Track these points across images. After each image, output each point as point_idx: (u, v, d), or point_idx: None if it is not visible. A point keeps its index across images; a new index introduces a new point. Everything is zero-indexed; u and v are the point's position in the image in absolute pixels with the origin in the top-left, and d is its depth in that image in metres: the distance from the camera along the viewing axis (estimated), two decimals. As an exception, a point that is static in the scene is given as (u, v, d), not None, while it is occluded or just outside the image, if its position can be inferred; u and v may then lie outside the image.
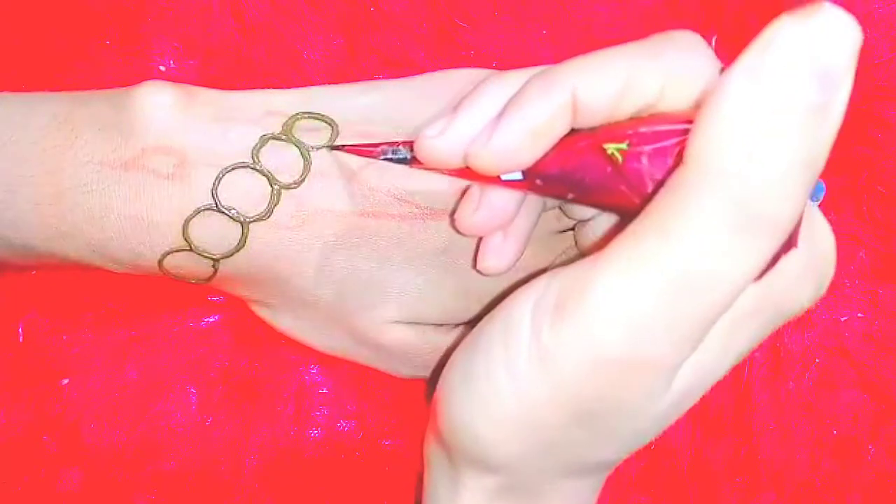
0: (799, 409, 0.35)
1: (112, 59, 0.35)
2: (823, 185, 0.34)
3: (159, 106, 0.28)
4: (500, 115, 0.23)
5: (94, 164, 0.28)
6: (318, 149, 0.28)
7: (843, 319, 0.36)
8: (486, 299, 0.30)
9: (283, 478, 0.33)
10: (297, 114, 0.29)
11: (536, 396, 0.22)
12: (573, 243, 0.31)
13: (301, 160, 0.28)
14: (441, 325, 0.31)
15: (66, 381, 0.33)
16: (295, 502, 0.33)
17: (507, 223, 0.27)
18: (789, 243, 0.21)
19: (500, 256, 0.27)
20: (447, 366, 0.25)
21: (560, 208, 0.30)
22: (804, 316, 0.36)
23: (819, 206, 0.34)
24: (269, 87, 0.31)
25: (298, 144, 0.28)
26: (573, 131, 0.23)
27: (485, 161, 0.23)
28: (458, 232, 0.27)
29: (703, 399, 0.34)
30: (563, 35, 0.35)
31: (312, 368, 0.34)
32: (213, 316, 0.34)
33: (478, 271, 0.28)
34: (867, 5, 0.36)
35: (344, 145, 0.28)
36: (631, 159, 0.21)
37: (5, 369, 0.33)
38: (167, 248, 0.28)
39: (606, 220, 0.28)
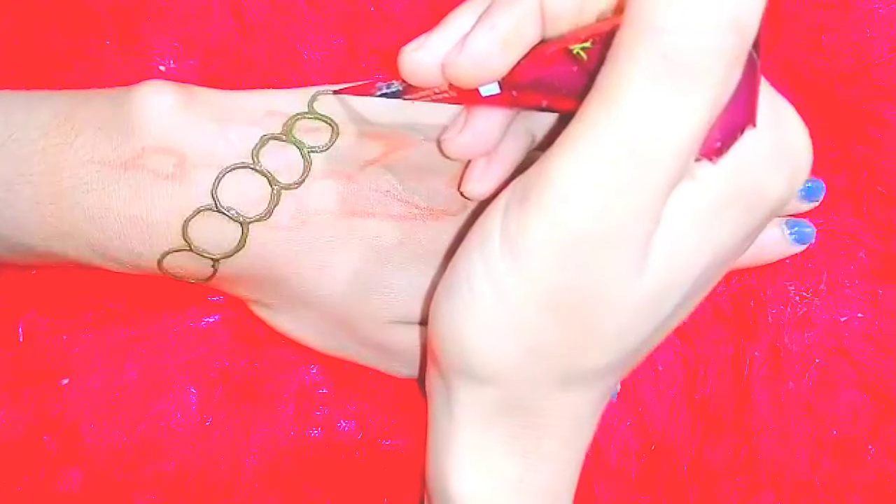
0: (799, 409, 0.35)
1: (112, 59, 0.35)
2: (823, 185, 0.34)
3: (159, 106, 0.28)
4: (472, 28, 0.24)
5: (94, 163, 0.28)
6: (318, 150, 0.28)
7: (843, 319, 0.36)
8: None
9: (283, 478, 0.33)
10: (298, 114, 0.29)
11: (513, 293, 0.22)
12: None
13: (301, 160, 0.28)
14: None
15: (66, 381, 0.33)
16: (295, 502, 0.33)
17: (491, 147, 0.27)
18: (744, 120, 0.21)
19: (483, 180, 0.28)
20: (437, 288, 0.25)
21: None
22: (804, 316, 0.36)
23: (819, 206, 0.34)
24: (269, 87, 0.31)
25: (298, 145, 0.28)
26: (544, 41, 0.24)
27: (459, 69, 0.24)
28: (445, 155, 0.28)
29: (703, 399, 0.35)
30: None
31: (312, 368, 0.34)
32: (213, 316, 0.34)
33: (461, 194, 0.29)
34: (867, 5, 0.36)
35: (340, 88, 0.29)
36: (595, 55, 0.22)
37: (5, 369, 0.33)
38: (167, 248, 0.28)
39: None
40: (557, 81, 0.23)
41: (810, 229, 0.34)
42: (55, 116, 0.28)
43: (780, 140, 0.22)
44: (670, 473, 0.34)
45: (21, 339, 0.34)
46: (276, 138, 0.28)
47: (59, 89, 0.30)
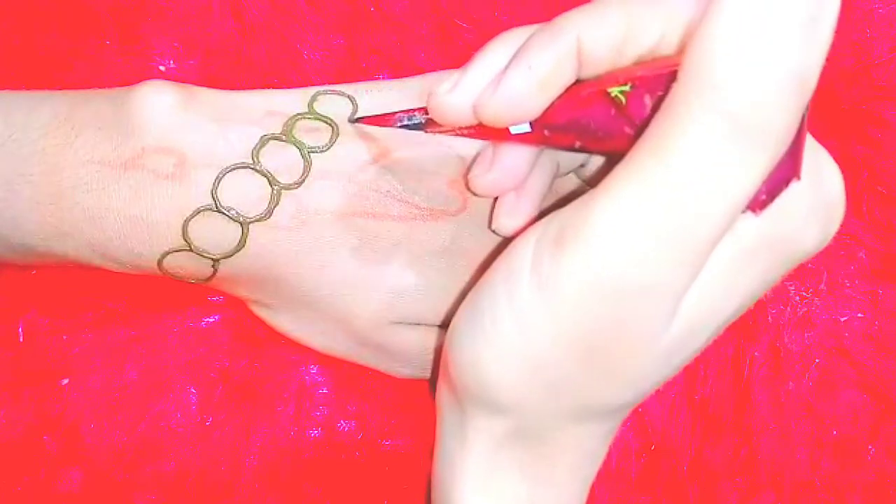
0: (799, 409, 0.35)
1: (112, 59, 0.35)
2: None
3: (159, 106, 0.28)
4: (506, 67, 0.23)
5: (94, 163, 0.28)
6: (318, 150, 0.28)
7: (843, 319, 0.36)
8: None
9: (283, 478, 0.33)
10: (298, 114, 0.29)
11: (538, 330, 0.22)
12: None
13: (301, 161, 0.28)
14: (441, 325, 0.31)
15: (66, 381, 0.33)
16: (295, 502, 0.33)
17: (519, 183, 0.27)
18: (790, 173, 0.21)
19: (513, 215, 0.27)
20: (455, 318, 0.25)
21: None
22: (804, 316, 0.36)
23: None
24: (269, 87, 0.31)
25: (298, 145, 0.28)
26: (579, 81, 0.23)
27: (493, 111, 0.23)
28: (473, 193, 0.28)
29: (703, 399, 0.35)
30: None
31: (312, 368, 0.34)
32: (213, 316, 0.34)
33: (493, 231, 0.28)
34: (867, 5, 0.36)
35: (362, 118, 0.28)
36: (634, 99, 0.22)
37: (5, 369, 0.33)
38: (167, 248, 0.28)
39: (601, 160, 0.28)
40: (593, 123, 0.23)
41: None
42: (55, 116, 0.28)
43: (818, 190, 0.22)
44: (670, 473, 0.34)
45: (21, 339, 0.34)
46: (276, 138, 0.28)
47: (59, 89, 0.30)
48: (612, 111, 0.22)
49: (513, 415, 0.24)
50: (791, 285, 0.36)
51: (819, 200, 0.22)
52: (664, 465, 0.35)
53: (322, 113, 0.29)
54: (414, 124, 0.27)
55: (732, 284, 0.22)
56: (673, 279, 0.21)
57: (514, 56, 0.23)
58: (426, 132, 0.27)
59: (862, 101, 0.36)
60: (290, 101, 0.30)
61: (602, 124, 0.23)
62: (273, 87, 0.31)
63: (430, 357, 0.31)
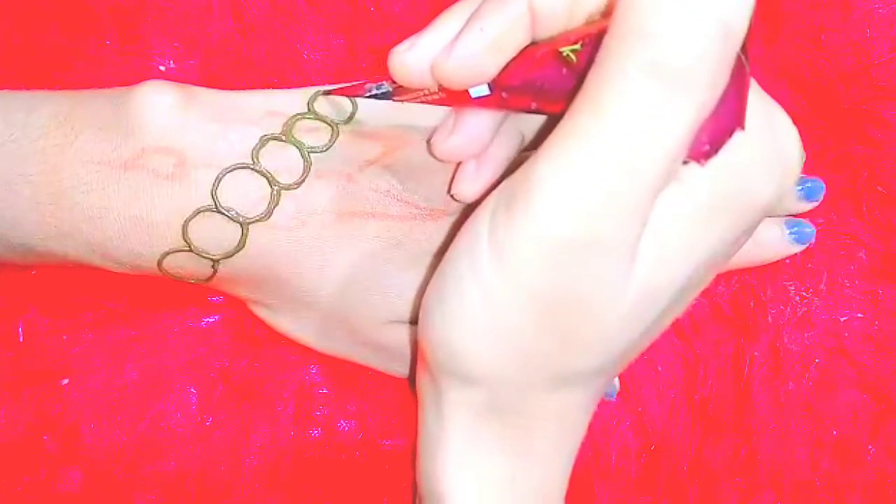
0: (799, 409, 0.35)
1: (112, 59, 0.35)
2: (823, 185, 0.34)
3: (159, 106, 0.28)
4: (461, 29, 0.24)
5: (94, 163, 0.28)
6: (318, 150, 0.28)
7: (843, 319, 0.36)
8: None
9: (283, 478, 0.33)
10: (297, 114, 0.29)
11: (500, 298, 0.22)
12: None
13: (301, 161, 0.28)
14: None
15: (66, 381, 0.33)
16: (295, 502, 0.33)
17: (481, 149, 0.27)
18: (733, 123, 0.21)
19: (472, 182, 0.28)
20: (426, 290, 0.25)
21: None
22: (804, 316, 0.36)
23: (819, 206, 0.34)
24: (269, 87, 0.31)
25: (298, 145, 0.28)
26: (533, 43, 0.24)
27: (448, 70, 0.24)
28: (435, 157, 0.28)
29: (703, 399, 0.35)
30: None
31: (312, 368, 0.34)
32: (213, 316, 0.34)
33: (451, 196, 0.29)
34: (867, 5, 0.36)
35: (330, 90, 0.29)
36: (584, 57, 0.22)
37: (5, 369, 0.33)
38: (167, 249, 0.28)
39: None
40: (547, 84, 0.24)
41: (810, 229, 0.34)
42: (55, 116, 0.28)
43: (770, 143, 0.22)
44: (670, 473, 0.34)
45: (21, 339, 0.34)
46: (276, 139, 0.28)
47: (59, 89, 0.30)
48: (564, 70, 0.23)
49: (487, 387, 0.24)
50: (791, 285, 0.36)
51: (771, 152, 0.22)
52: (664, 465, 0.35)
53: (322, 113, 0.29)
54: (382, 93, 0.27)
55: (689, 241, 0.22)
56: (619, 233, 0.21)
57: (469, 19, 0.24)
58: (393, 100, 0.27)
59: (862, 101, 0.36)
60: (290, 101, 0.30)
61: (555, 84, 0.23)
62: (273, 87, 0.31)
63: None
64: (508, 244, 0.22)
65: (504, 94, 0.24)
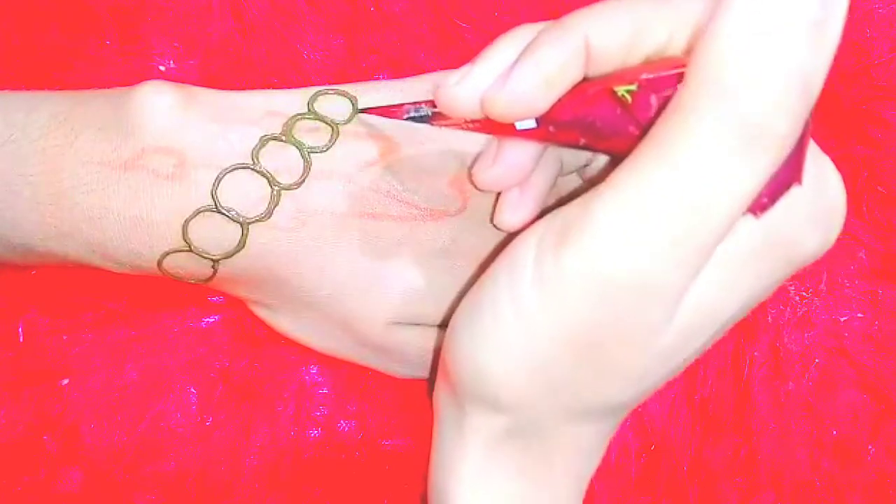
0: (799, 409, 0.35)
1: (112, 59, 0.35)
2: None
3: (159, 106, 0.28)
4: (514, 63, 0.23)
5: (94, 163, 0.28)
6: (318, 151, 0.28)
7: (843, 319, 0.36)
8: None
9: (283, 478, 0.33)
10: (298, 114, 0.29)
11: (539, 327, 0.22)
12: None
13: (301, 161, 0.28)
14: (441, 325, 0.31)
15: (66, 381, 0.33)
16: (295, 502, 0.33)
17: (523, 179, 0.27)
18: (791, 178, 0.21)
19: (515, 211, 0.28)
20: (453, 318, 0.25)
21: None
22: (804, 316, 0.36)
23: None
24: (269, 87, 0.31)
25: (298, 145, 0.28)
26: (586, 79, 0.23)
27: (500, 106, 0.23)
28: (476, 187, 0.28)
29: (703, 399, 0.35)
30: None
31: (312, 368, 0.34)
32: (213, 316, 0.34)
33: (495, 226, 0.28)
34: (867, 5, 0.36)
35: (368, 109, 0.28)
36: (639, 99, 0.22)
37: (5, 369, 0.33)
38: (167, 249, 0.28)
39: (604, 161, 0.28)
40: (598, 121, 0.23)
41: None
42: (55, 117, 0.28)
43: (820, 197, 0.22)
44: (670, 473, 0.34)
45: (21, 339, 0.34)
46: (276, 139, 0.28)
47: (59, 89, 0.30)
48: (618, 110, 0.23)
49: (511, 412, 0.24)
50: (791, 285, 0.36)
51: (820, 206, 0.22)
52: (664, 465, 0.35)
53: (322, 113, 0.29)
54: (421, 116, 0.27)
55: (732, 286, 0.22)
56: (673, 279, 0.21)
57: (523, 52, 0.23)
58: (432, 125, 0.27)
59: (862, 101, 0.36)
60: (290, 101, 0.30)
61: (607, 123, 0.23)
62: (273, 87, 0.31)
63: (430, 357, 0.31)
64: (555, 275, 0.21)
65: (552, 129, 0.24)
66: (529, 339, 0.22)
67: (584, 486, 0.26)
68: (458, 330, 0.24)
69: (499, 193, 0.28)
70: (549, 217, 0.23)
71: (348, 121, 0.29)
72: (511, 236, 0.25)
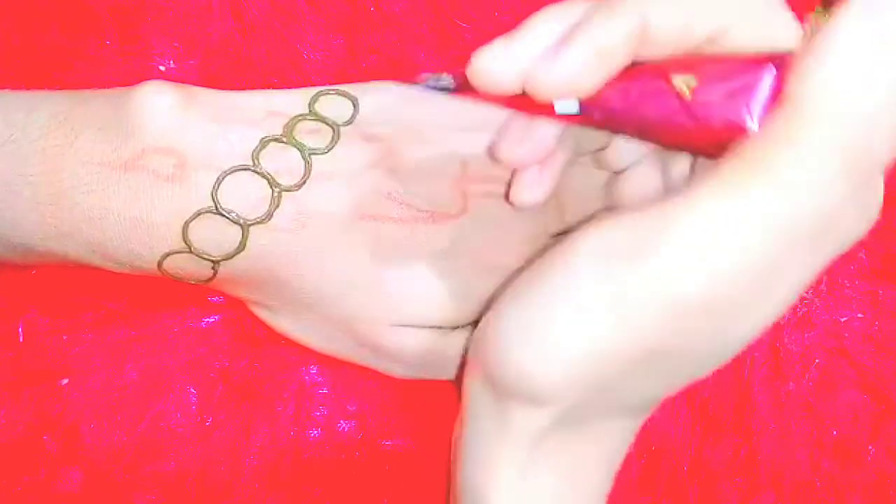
0: (799, 409, 0.35)
1: (112, 59, 0.35)
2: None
3: (159, 106, 0.28)
4: (564, 39, 0.22)
5: (94, 164, 0.28)
6: (319, 152, 0.28)
7: (843, 320, 0.36)
8: (487, 301, 0.30)
9: (283, 478, 0.33)
10: (298, 115, 0.29)
11: (603, 342, 0.21)
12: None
13: (302, 162, 0.28)
14: (441, 327, 0.31)
15: (65, 381, 0.33)
16: (295, 502, 0.33)
17: (546, 156, 0.26)
18: None
19: (534, 189, 0.27)
20: (493, 318, 0.24)
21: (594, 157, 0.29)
22: (804, 316, 0.36)
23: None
24: (269, 87, 0.31)
25: (299, 147, 0.28)
26: (634, 64, 0.22)
27: (547, 85, 0.22)
28: (497, 161, 0.27)
29: (703, 399, 0.35)
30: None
31: (312, 368, 0.34)
32: (213, 316, 0.34)
33: (511, 204, 0.28)
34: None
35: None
36: (702, 95, 0.21)
37: (5, 369, 0.33)
38: (167, 250, 0.28)
39: (643, 170, 0.28)
40: (651, 112, 0.22)
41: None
42: (55, 117, 0.28)
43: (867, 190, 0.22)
44: (670, 473, 0.34)
45: (21, 339, 0.34)
46: (276, 140, 0.28)
47: (59, 89, 0.30)
48: (674, 101, 0.21)
49: (555, 409, 0.23)
50: (791, 285, 0.36)
51: (867, 199, 0.22)
52: (664, 465, 0.35)
53: (323, 114, 0.29)
54: (441, 86, 0.25)
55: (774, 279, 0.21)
56: (754, 305, 0.20)
57: (575, 28, 0.22)
58: (453, 95, 0.25)
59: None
60: (291, 101, 0.29)
61: (660, 113, 0.22)
62: (273, 87, 0.31)
63: (431, 358, 0.31)
64: (629, 290, 0.20)
65: (596, 114, 0.23)
66: (591, 349, 0.21)
67: (613, 478, 0.26)
68: (504, 331, 0.23)
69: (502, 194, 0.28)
70: (604, 229, 0.22)
71: (349, 122, 0.29)
72: (513, 238, 0.24)
